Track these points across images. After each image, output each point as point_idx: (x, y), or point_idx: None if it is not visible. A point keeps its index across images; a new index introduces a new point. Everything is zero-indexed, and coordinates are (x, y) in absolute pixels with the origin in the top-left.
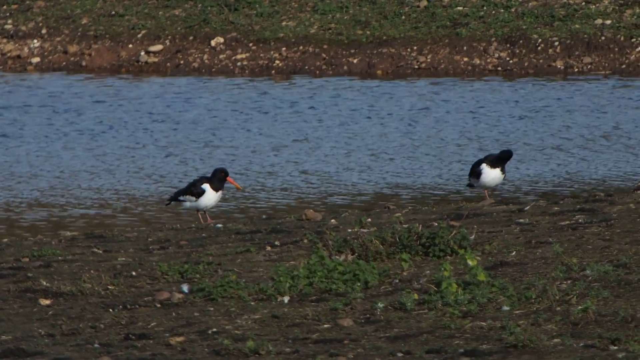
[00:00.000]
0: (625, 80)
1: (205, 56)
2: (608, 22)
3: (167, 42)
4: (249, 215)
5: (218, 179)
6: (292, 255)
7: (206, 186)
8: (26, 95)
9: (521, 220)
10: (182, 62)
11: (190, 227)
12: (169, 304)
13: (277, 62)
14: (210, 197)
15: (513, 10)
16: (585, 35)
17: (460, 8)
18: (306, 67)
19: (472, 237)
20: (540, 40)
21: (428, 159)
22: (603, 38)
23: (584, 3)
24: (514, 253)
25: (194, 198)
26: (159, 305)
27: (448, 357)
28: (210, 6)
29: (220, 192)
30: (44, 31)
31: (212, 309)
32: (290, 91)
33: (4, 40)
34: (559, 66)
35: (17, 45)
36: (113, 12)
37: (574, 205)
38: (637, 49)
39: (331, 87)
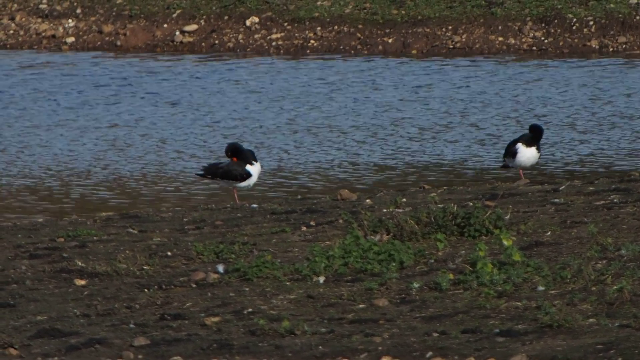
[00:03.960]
0: None
1: (240, 36)
2: None
3: (202, 21)
4: (284, 195)
5: (248, 153)
6: (327, 235)
7: (249, 168)
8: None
9: (556, 200)
10: (217, 41)
11: (225, 207)
12: (205, 284)
13: (312, 41)
14: (255, 176)
15: None
16: (620, 15)
17: None
18: (341, 47)
19: (507, 217)
20: (575, 19)
21: (466, 139)
22: (638, 17)
23: None
24: (549, 233)
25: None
26: (194, 286)
27: (483, 337)
28: None
29: (256, 165)
30: (78, 11)
31: (247, 289)
32: (349, 69)
33: (39, 20)
34: (593, 45)
35: (52, 24)
36: None
37: (609, 185)
38: None
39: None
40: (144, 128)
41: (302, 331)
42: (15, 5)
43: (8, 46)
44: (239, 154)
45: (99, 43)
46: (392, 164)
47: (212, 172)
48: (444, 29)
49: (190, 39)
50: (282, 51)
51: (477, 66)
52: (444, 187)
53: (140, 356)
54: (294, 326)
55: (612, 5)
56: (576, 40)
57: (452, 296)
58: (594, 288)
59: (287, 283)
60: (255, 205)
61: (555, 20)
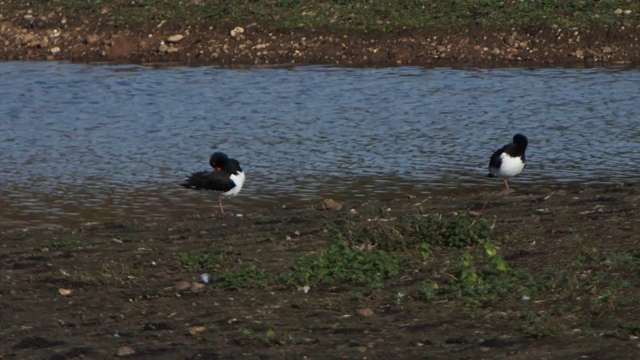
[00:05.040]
0: None
1: (225, 46)
2: (628, 11)
3: (187, 32)
4: (269, 204)
5: (232, 163)
6: (312, 245)
7: (233, 177)
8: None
9: (541, 210)
10: (202, 52)
11: (210, 217)
12: (189, 294)
13: (297, 52)
14: (239, 185)
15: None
16: (605, 25)
17: None
18: (326, 57)
19: (492, 226)
20: (560, 30)
21: (449, 148)
22: (623, 28)
23: None
24: (534, 243)
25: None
26: (179, 295)
27: (468, 346)
28: None
29: (241, 175)
30: (63, 21)
31: (232, 298)
32: (314, 78)
33: (24, 30)
34: (578, 56)
35: (37, 35)
36: (133, 2)
37: (594, 194)
38: None
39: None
40: (98, 137)
41: (286, 341)
42: (0, 15)
43: None
44: (224, 164)
45: (84, 53)
46: (377, 173)
47: (197, 181)
48: (428, 39)
49: (175, 49)
50: (267, 61)
51: (461, 75)
52: (429, 197)
53: None
54: (278, 336)
55: (597, 16)
56: (561, 51)
57: (437, 306)
58: (578, 298)
59: (272, 293)
60: (240, 215)
61: (540, 31)
